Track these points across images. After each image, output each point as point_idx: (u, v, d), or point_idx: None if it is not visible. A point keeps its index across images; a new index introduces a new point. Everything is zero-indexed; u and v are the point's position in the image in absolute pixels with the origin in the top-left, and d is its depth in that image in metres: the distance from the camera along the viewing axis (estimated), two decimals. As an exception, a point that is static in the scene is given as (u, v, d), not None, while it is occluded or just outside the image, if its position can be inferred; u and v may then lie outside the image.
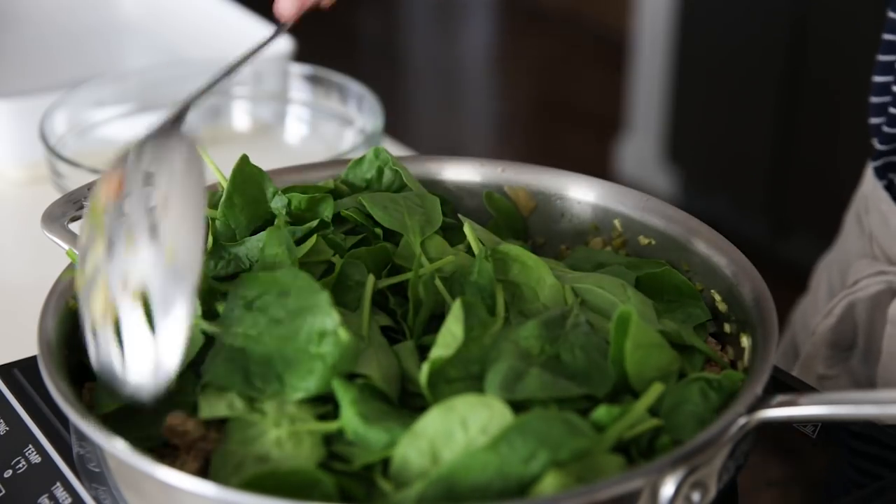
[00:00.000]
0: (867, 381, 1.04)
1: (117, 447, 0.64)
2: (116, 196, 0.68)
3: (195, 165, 0.68)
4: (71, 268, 0.78)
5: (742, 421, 0.67)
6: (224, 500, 0.62)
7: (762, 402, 0.68)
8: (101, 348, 0.68)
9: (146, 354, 0.66)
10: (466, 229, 0.82)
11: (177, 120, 0.75)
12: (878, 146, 1.02)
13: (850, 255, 1.09)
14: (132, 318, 0.66)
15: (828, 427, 0.82)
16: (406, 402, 0.70)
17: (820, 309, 1.13)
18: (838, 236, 1.15)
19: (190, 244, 0.65)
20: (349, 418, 0.66)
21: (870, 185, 1.05)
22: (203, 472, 0.68)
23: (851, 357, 1.04)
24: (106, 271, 0.67)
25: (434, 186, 0.93)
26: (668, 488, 0.63)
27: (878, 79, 1.01)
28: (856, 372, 1.04)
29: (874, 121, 1.02)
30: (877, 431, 0.82)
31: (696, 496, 0.65)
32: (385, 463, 0.66)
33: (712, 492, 0.66)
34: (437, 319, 0.75)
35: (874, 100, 1.02)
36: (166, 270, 0.65)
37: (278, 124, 1.38)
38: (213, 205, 0.84)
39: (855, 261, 1.05)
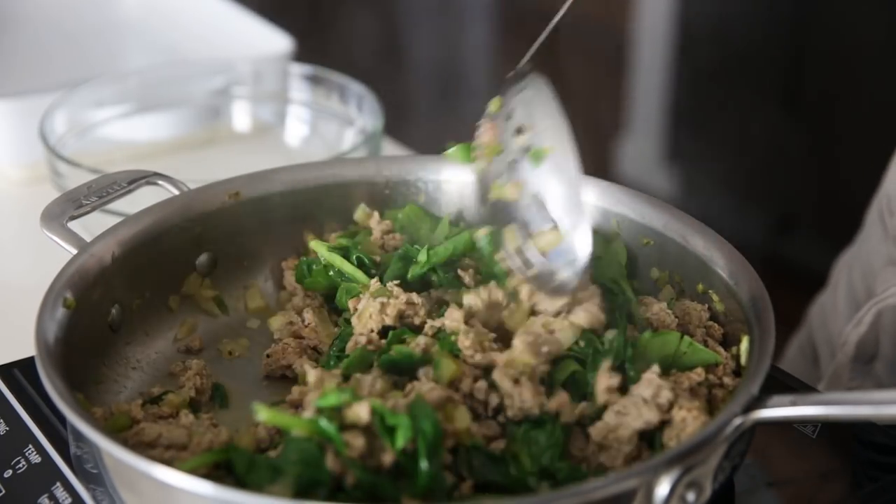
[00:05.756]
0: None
1: (114, 447, 0.64)
2: (496, 137, 0.85)
3: (545, 92, 0.85)
4: (69, 264, 0.79)
5: (738, 421, 0.67)
6: (220, 498, 0.62)
7: (758, 403, 0.68)
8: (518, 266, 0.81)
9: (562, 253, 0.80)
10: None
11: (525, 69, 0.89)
12: None
13: (873, 256, 1.07)
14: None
15: (828, 427, 0.82)
16: None
17: (840, 309, 1.12)
18: (859, 233, 1.14)
19: (563, 145, 0.82)
20: None
21: (894, 185, 1.04)
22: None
23: (874, 367, 1.03)
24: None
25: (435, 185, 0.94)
26: (662, 488, 0.64)
27: None
28: (881, 381, 1.03)
29: None
30: (878, 434, 0.82)
31: (690, 496, 0.65)
32: None
33: (707, 492, 0.66)
34: None
35: None
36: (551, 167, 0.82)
37: (278, 124, 1.38)
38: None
39: (879, 265, 1.04)
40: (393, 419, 0.67)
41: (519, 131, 0.84)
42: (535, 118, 0.84)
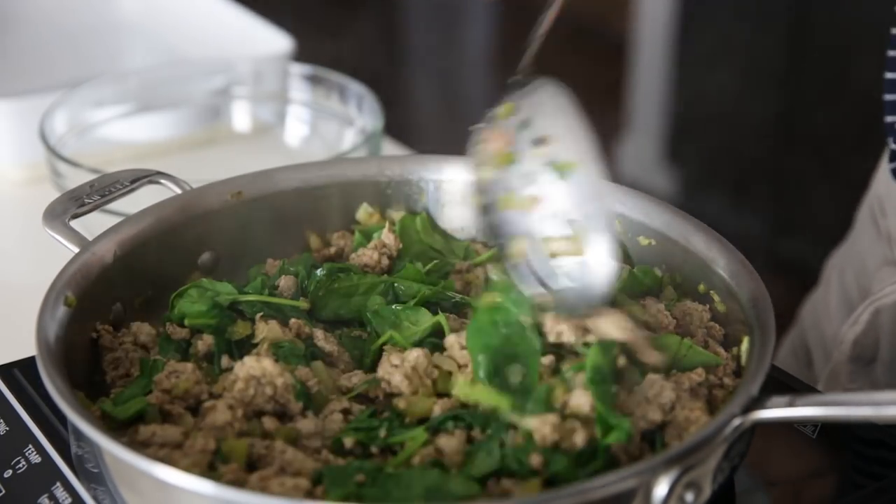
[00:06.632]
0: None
1: (115, 446, 0.64)
2: (508, 145, 0.78)
3: (565, 102, 0.78)
4: (71, 263, 0.79)
5: (737, 422, 0.67)
6: (221, 497, 0.62)
7: (757, 403, 0.68)
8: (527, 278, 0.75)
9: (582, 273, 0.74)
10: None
11: (527, 74, 0.83)
12: (892, 146, 0.99)
13: (866, 256, 1.07)
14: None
15: (829, 427, 0.82)
16: None
17: (833, 310, 1.12)
18: (849, 233, 1.14)
19: (588, 159, 0.75)
20: None
21: (885, 186, 1.03)
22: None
23: (874, 370, 1.03)
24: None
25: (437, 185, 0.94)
26: (661, 488, 0.64)
27: (890, 76, 0.99)
28: (880, 383, 1.03)
29: (890, 119, 0.99)
30: (879, 432, 0.82)
31: (689, 496, 0.65)
32: None
33: (706, 492, 0.66)
34: None
35: (889, 97, 0.99)
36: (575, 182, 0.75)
37: (278, 124, 1.39)
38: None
39: (874, 265, 1.04)
40: None
41: (539, 142, 0.78)
42: (557, 129, 0.77)
